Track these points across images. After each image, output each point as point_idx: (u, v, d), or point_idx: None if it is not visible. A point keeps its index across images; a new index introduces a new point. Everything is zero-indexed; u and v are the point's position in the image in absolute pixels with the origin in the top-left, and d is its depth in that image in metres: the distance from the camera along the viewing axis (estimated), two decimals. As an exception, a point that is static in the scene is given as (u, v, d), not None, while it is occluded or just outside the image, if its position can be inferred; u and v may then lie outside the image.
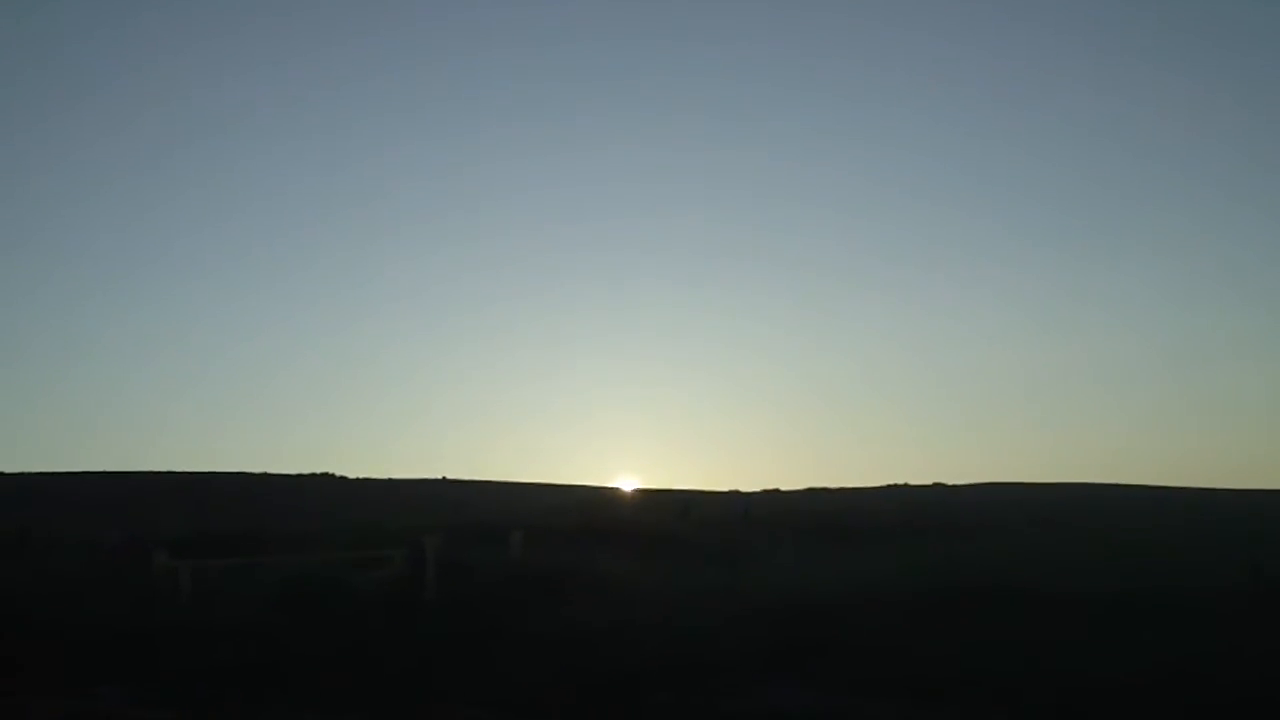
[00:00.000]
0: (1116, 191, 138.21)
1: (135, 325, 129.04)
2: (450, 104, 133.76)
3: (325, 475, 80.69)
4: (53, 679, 16.43)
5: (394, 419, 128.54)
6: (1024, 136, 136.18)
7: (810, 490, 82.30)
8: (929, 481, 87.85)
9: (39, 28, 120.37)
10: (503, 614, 22.12)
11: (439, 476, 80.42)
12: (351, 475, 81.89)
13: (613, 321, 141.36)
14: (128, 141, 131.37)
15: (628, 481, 56.01)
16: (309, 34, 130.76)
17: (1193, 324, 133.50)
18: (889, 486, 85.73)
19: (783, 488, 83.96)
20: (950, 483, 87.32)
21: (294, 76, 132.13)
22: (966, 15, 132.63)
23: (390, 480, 79.56)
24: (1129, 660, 15.61)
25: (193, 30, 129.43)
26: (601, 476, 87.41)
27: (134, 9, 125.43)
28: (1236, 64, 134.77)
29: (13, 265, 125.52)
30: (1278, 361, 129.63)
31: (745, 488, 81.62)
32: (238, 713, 13.80)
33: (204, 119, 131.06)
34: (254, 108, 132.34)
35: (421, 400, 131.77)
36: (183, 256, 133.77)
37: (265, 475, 78.42)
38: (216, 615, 23.10)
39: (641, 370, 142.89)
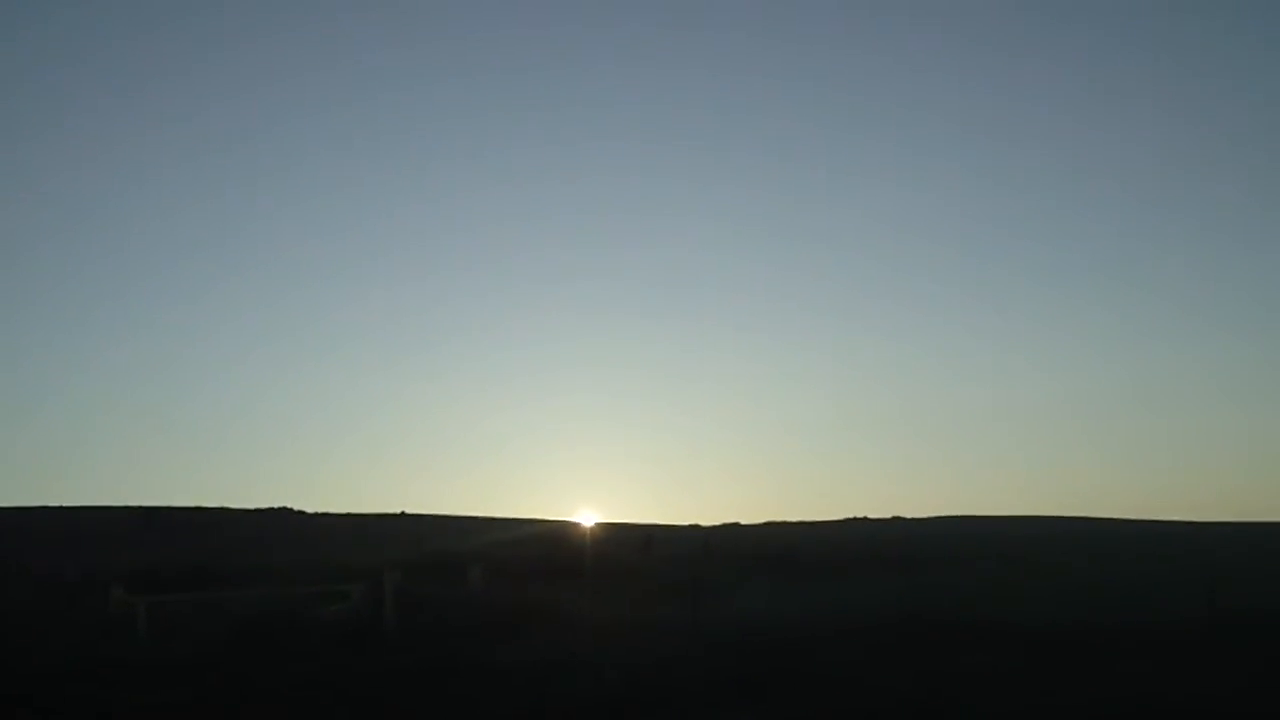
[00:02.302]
0: (1083, 227, 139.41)
1: (92, 359, 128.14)
2: (427, 135, 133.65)
3: (284, 510, 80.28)
4: (8, 715, 16.27)
5: (353, 454, 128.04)
6: (995, 171, 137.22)
7: (770, 524, 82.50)
8: (888, 515, 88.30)
9: (38, 34, 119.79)
10: (462, 648, 22.06)
11: (398, 511, 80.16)
12: (310, 510, 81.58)
13: (573, 356, 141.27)
14: (100, 156, 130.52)
15: (588, 515, 55.96)
16: (302, 48, 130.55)
17: (1152, 360, 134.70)
18: (848, 520, 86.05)
19: (743, 521, 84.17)
20: (909, 516, 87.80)
21: (279, 104, 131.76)
22: (971, 32, 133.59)
23: (349, 515, 79.22)
24: (1089, 694, 15.71)
25: (179, 43, 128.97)
26: (562, 510, 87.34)
27: (133, 16, 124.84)
28: (1232, 93, 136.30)
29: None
30: (1235, 396, 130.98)
31: (705, 521, 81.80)
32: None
33: (175, 142, 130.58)
34: (223, 146, 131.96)
35: (380, 434, 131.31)
36: (141, 292, 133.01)
37: (223, 510, 77.94)
38: (174, 651, 22.95)
39: (602, 404, 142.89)
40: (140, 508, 76.27)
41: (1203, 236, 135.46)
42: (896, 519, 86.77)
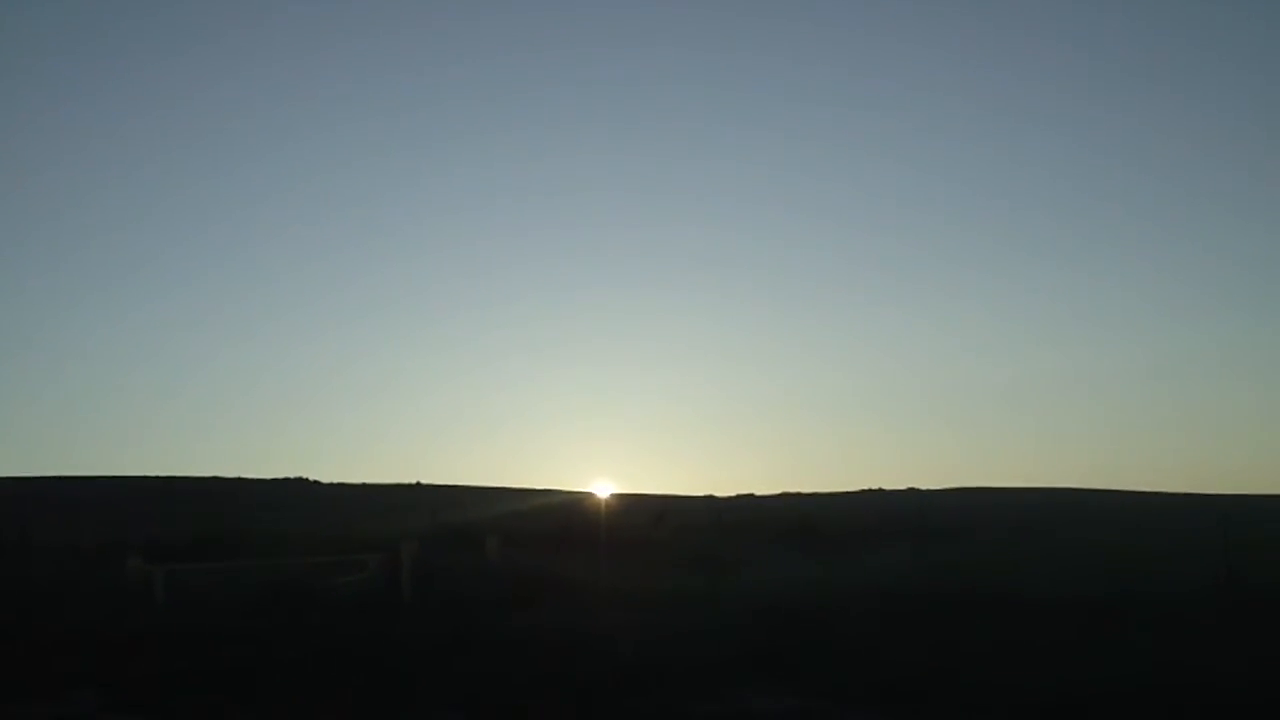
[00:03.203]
0: (1098, 205, 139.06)
1: (111, 331, 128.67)
2: (440, 113, 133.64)
3: (300, 480, 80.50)
4: (26, 684, 16.33)
5: (369, 424, 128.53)
6: (1011, 150, 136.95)
7: (784, 495, 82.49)
8: (903, 486, 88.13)
9: (38, 29, 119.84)
10: (479, 618, 22.09)
11: (414, 481, 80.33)
12: (327, 480, 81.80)
13: (589, 328, 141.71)
14: (113, 150, 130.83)
15: (603, 486, 55.89)
16: (302, 42, 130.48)
17: (1168, 333, 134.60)
18: (863, 491, 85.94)
19: (757, 492, 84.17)
20: (924, 487, 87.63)
21: (288, 84, 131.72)
22: (970, 31, 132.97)
23: (366, 485, 79.45)
24: (1105, 665, 15.67)
25: (185, 34, 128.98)
26: (577, 481, 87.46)
27: (134, 11, 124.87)
28: (1235, 77, 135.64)
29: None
30: (1252, 370, 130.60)
31: (720, 493, 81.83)
32: (212, 718, 13.74)
33: (193, 130, 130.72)
34: (241, 121, 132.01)
35: (397, 406, 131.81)
36: (159, 265, 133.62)
37: (240, 480, 78.14)
38: (191, 620, 23.01)
39: (617, 376, 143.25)
40: (158, 478, 76.61)
41: (1223, 215, 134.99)
42: (912, 490, 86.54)
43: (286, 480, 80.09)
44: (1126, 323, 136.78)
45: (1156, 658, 15.88)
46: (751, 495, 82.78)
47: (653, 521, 49.20)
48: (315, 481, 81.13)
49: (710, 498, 78.34)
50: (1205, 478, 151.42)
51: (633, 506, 56.17)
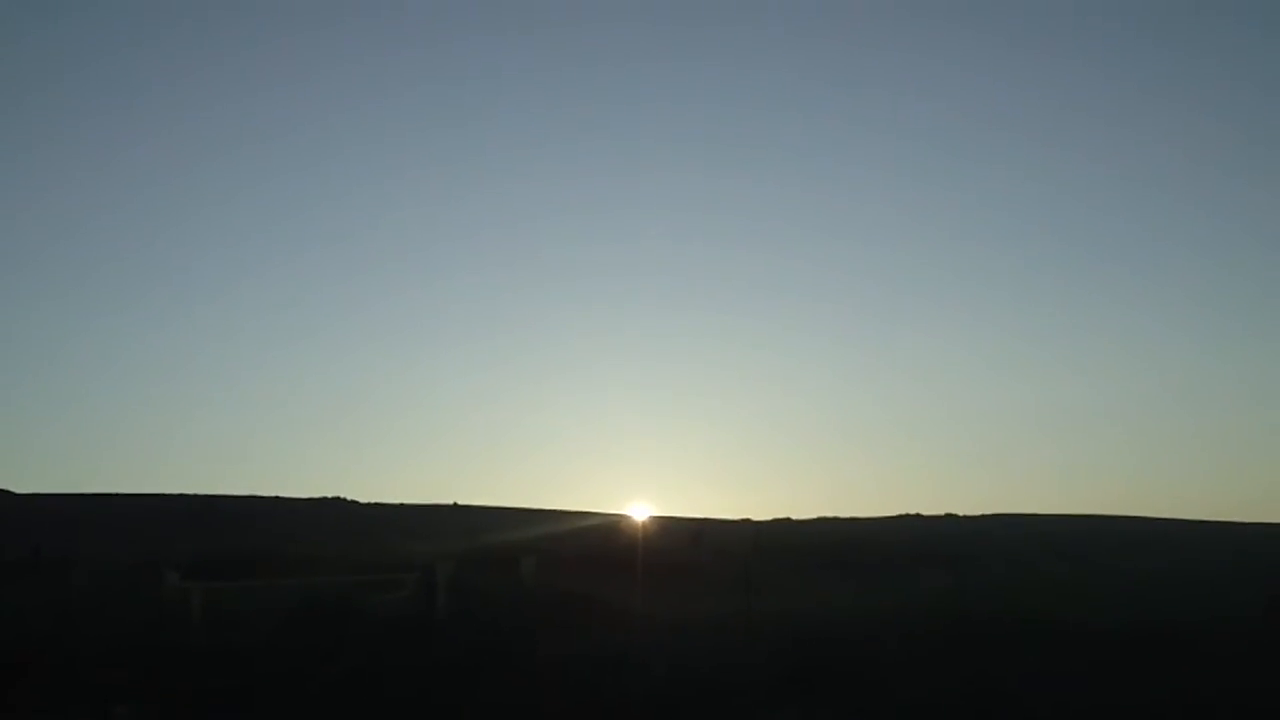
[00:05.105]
0: (1137, 224, 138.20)
1: (147, 347, 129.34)
2: (456, 122, 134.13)
3: (337, 499, 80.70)
4: (64, 699, 16.45)
5: (406, 444, 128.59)
6: (1035, 166, 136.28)
7: (821, 519, 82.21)
8: (941, 512, 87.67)
9: (43, 35, 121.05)
10: (514, 639, 22.11)
11: (450, 502, 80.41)
12: (363, 500, 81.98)
13: (626, 348, 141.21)
14: (140, 157, 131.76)
15: (640, 508, 55.87)
16: (306, 46, 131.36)
17: (1209, 356, 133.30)
18: (900, 516, 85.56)
19: (794, 516, 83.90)
20: (962, 513, 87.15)
21: (297, 93, 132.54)
22: (977, 39, 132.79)
23: (402, 505, 79.56)
24: (1143, 692, 15.55)
25: (192, 40, 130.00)
26: (614, 503, 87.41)
27: (135, 17, 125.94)
28: (1241, 89, 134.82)
29: (23, 285, 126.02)
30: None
31: (756, 516, 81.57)
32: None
33: (211, 141, 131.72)
34: (258, 130, 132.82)
35: (434, 425, 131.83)
36: (195, 279, 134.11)
37: (277, 499, 78.38)
38: (227, 637, 23.12)
39: (654, 397, 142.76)
40: (196, 496, 76.92)
41: (1245, 230, 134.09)
42: (949, 516, 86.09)
43: (324, 499, 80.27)
44: (1169, 347, 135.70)
45: (1195, 685, 15.75)
46: (789, 519, 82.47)
47: (689, 544, 49.09)
48: (353, 501, 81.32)
49: (747, 521, 78.05)
50: (1247, 505, 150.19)
51: (669, 529, 56.06)
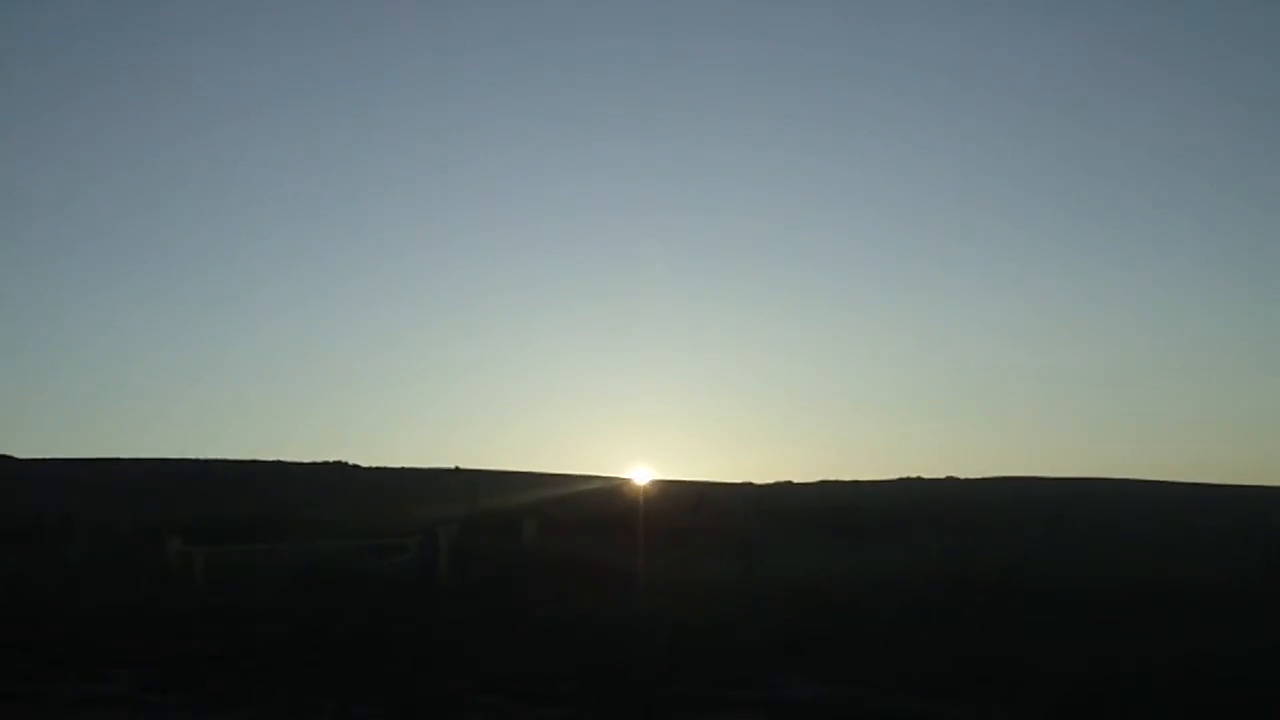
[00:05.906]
0: (1132, 190, 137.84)
1: (149, 313, 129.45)
2: (460, 96, 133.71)
3: (338, 464, 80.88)
4: (65, 663, 16.48)
5: (407, 408, 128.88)
6: (1040, 138, 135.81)
7: (822, 483, 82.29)
8: (941, 475, 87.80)
9: (39, 24, 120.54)
10: (515, 602, 22.15)
11: (452, 466, 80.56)
12: (365, 464, 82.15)
13: (627, 313, 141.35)
14: (137, 134, 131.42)
15: (641, 472, 55.90)
16: (306, 33, 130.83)
17: (1207, 320, 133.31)
18: (901, 480, 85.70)
19: (795, 480, 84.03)
20: (962, 476, 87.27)
21: (303, 70, 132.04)
22: (977, 16, 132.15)
23: (403, 469, 79.70)
24: (1142, 657, 15.55)
25: (192, 26, 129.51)
26: (615, 467, 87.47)
27: (130, 7, 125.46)
28: (1243, 64, 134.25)
29: (26, 253, 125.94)
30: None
31: (758, 479, 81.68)
32: (250, 698, 13.82)
33: (219, 111, 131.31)
34: (266, 100, 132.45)
35: (435, 390, 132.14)
36: (197, 246, 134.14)
37: (279, 464, 78.54)
38: (229, 601, 23.17)
39: (655, 361, 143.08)
40: (198, 460, 77.09)
41: (1243, 191, 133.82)
42: (950, 479, 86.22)
43: (326, 464, 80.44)
44: (1167, 312, 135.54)
45: (1194, 649, 15.74)
46: (790, 483, 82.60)
47: (690, 508, 49.11)
48: (354, 465, 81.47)
49: (748, 485, 78.16)
50: (1246, 469, 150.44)
51: (671, 493, 56.09)
